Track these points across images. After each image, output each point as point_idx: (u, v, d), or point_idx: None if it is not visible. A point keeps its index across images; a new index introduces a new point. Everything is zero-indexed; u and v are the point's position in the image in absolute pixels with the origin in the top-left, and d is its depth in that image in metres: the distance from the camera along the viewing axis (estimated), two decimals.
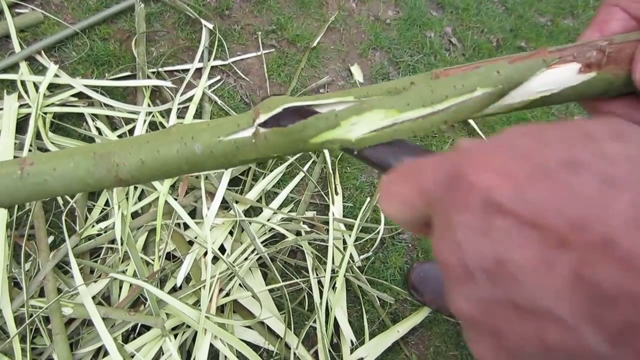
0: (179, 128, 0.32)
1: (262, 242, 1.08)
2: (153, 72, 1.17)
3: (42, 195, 0.33)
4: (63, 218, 0.95)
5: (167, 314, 0.96)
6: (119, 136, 1.08)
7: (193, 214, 1.08)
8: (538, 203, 0.16)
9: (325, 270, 1.09)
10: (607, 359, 0.14)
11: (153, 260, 0.98)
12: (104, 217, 1.01)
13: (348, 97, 0.32)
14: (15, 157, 0.96)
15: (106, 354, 0.90)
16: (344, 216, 1.21)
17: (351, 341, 1.09)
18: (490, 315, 0.17)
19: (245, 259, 1.05)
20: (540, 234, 0.15)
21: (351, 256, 1.16)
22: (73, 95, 1.06)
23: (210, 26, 1.26)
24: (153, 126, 1.12)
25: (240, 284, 1.02)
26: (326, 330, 1.04)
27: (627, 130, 0.17)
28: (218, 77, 1.25)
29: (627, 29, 0.30)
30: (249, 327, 1.02)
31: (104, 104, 1.07)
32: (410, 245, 1.26)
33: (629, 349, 0.14)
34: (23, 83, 1.03)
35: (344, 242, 1.17)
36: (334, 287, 1.10)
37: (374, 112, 0.30)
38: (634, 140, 0.16)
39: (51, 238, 0.96)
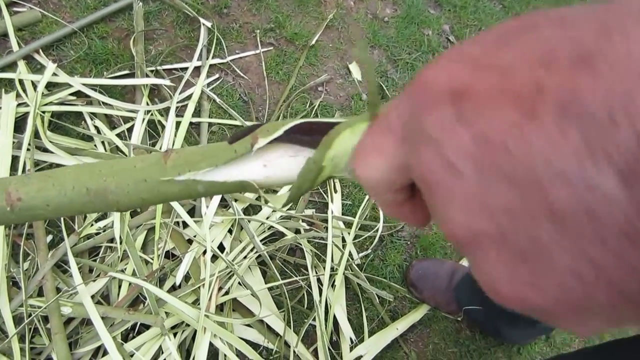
0: (175, 161, 0.30)
1: (261, 241, 1.08)
2: (151, 71, 1.16)
3: (38, 219, 0.32)
4: (62, 217, 0.94)
5: (166, 312, 0.95)
6: (118, 135, 1.07)
7: (192, 212, 1.07)
8: (498, 73, 0.15)
9: (324, 268, 1.08)
10: (624, 203, 0.12)
11: (152, 259, 0.98)
12: (103, 216, 1.00)
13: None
14: (13, 156, 0.95)
15: (105, 353, 0.89)
16: (343, 214, 1.20)
17: (350, 339, 1.08)
18: (489, 215, 0.15)
19: (245, 257, 1.05)
20: (512, 95, 0.14)
21: (350, 254, 1.15)
22: (71, 94, 1.05)
23: (209, 24, 1.25)
24: (152, 124, 1.11)
25: (239, 283, 1.02)
26: (325, 328, 1.04)
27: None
28: (217, 76, 1.24)
29: None
30: (248, 325, 1.02)
31: (103, 102, 1.06)
32: (409, 242, 1.26)
33: None
34: (21, 82, 1.02)
35: (343, 240, 1.16)
36: (333, 285, 1.09)
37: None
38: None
39: (50, 237, 0.95)
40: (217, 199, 1.05)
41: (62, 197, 0.30)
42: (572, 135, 0.13)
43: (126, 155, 1.03)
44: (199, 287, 0.97)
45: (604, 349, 0.62)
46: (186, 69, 1.19)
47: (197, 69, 1.22)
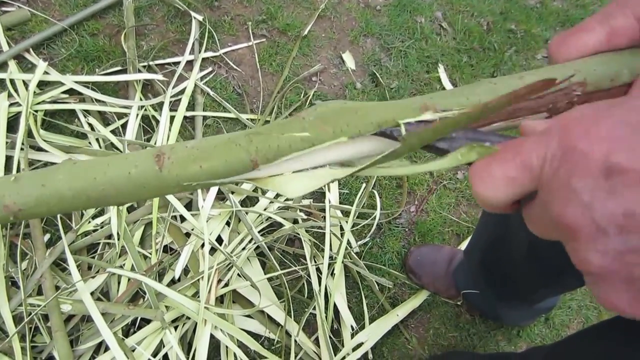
0: (171, 168, 0.27)
1: (259, 232, 1.05)
2: (144, 66, 1.12)
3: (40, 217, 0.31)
4: (58, 215, 0.91)
5: (166, 306, 0.93)
6: (112, 131, 1.04)
7: (189, 206, 1.04)
8: None
9: (323, 257, 1.05)
10: None
11: (150, 254, 0.95)
12: (100, 213, 0.98)
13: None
14: (7, 156, 0.92)
15: (107, 349, 0.87)
16: (340, 203, 1.17)
17: (351, 326, 1.06)
18: (624, 263, 0.19)
19: (243, 248, 1.02)
20: None
21: (349, 242, 1.13)
22: (64, 92, 1.02)
23: (200, 18, 1.22)
24: (146, 120, 1.08)
25: (238, 274, 0.99)
26: (326, 317, 1.02)
27: None
28: (210, 69, 1.21)
29: (630, 26, 0.28)
30: (249, 316, 0.99)
31: (96, 99, 1.03)
32: (407, 229, 1.23)
33: None
34: (12, 82, 0.99)
35: (341, 229, 1.13)
36: (332, 274, 1.06)
37: None
38: None
39: (47, 236, 0.93)
40: (213, 192, 1.02)
41: (63, 203, 0.27)
42: None
43: (121, 152, 1.00)
44: (198, 280, 0.94)
45: (603, 328, 0.60)
46: (179, 63, 1.16)
47: (190, 63, 1.19)
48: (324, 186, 1.16)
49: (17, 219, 0.27)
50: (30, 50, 1.03)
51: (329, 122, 0.27)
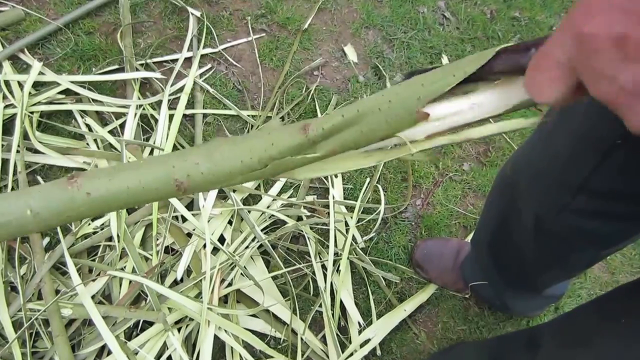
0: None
1: (262, 230, 1.00)
2: (141, 64, 1.07)
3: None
4: None
5: (169, 308, 0.89)
6: (110, 131, 0.99)
7: (191, 206, 1.00)
8: None
9: (328, 254, 1.00)
10: None
11: (152, 255, 0.91)
12: (99, 215, 0.93)
13: None
14: (3, 159, 0.88)
15: (109, 353, 0.83)
16: (344, 198, 1.12)
17: (359, 323, 1.01)
18: None
19: (246, 247, 0.97)
20: None
21: (354, 238, 1.07)
22: (60, 93, 0.97)
23: (198, 14, 1.16)
24: (144, 119, 1.03)
25: (242, 274, 0.95)
26: (333, 314, 0.97)
27: None
28: (209, 66, 1.15)
29: None
30: (254, 316, 0.95)
31: (93, 99, 0.98)
32: (413, 223, 1.17)
33: None
34: (7, 83, 0.94)
35: (346, 225, 1.08)
36: (338, 271, 1.02)
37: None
38: None
39: (47, 240, 0.89)
40: (214, 191, 0.97)
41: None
42: None
43: (119, 152, 0.95)
44: (200, 281, 0.90)
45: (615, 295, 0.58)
46: (177, 60, 1.11)
47: (189, 60, 1.14)
48: (328, 182, 1.11)
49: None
50: (25, 50, 0.98)
51: (334, 140, 0.29)
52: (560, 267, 0.80)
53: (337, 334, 0.96)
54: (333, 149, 0.28)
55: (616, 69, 0.21)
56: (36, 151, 0.91)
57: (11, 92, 0.93)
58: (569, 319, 0.63)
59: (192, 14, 1.15)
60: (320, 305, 0.99)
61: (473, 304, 1.13)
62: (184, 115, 1.06)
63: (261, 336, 0.94)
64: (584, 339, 0.49)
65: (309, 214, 1.05)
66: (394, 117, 0.28)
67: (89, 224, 0.91)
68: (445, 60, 1.34)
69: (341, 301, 1.00)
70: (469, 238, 1.16)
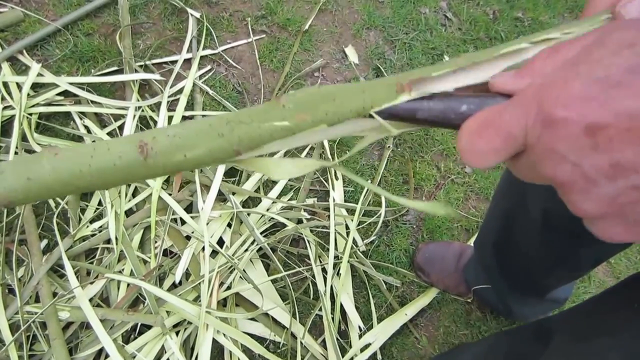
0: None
1: (262, 233, 1.01)
2: (140, 66, 1.08)
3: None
4: (54, 220, 0.87)
5: (167, 311, 0.89)
6: (109, 133, 1.00)
7: (190, 208, 1.00)
8: (624, 110, 0.19)
9: (328, 257, 1.01)
10: None
11: (150, 258, 0.91)
12: (98, 217, 0.94)
13: None
14: (0, 161, 0.88)
15: (107, 356, 0.83)
16: (345, 201, 1.12)
17: (359, 327, 1.01)
18: (617, 204, 0.21)
19: (245, 250, 0.98)
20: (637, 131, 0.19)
21: (354, 241, 1.08)
22: (59, 94, 0.98)
23: (198, 15, 1.17)
24: (143, 121, 1.04)
25: (241, 277, 0.95)
26: (333, 318, 0.97)
27: None
28: (208, 67, 1.16)
29: None
30: (253, 319, 0.95)
31: (91, 101, 0.98)
32: (414, 226, 1.17)
33: None
34: (5, 84, 0.95)
35: (347, 228, 1.08)
36: (338, 274, 1.02)
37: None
38: None
39: (45, 242, 0.90)
40: (213, 193, 0.98)
41: (51, 192, 0.28)
42: None
43: None
44: (199, 284, 0.90)
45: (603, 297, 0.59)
46: (176, 62, 1.11)
47: (188, 62, 1.14)
48: (328, 184, 1.11)
49: (7, 207, 0.28)
50: (24, 51, 0.99)
51: (307, 110, 0.28)
52: (566, 266, 0.80)
53: (337, 338, 0.96)
54: (304, 119, 0.27)
55: (583, 156, 0.21)
56: (34, 153, 0.92)
57: (10, 94, 0.94)
58: (585, 308, 0.61)
59: (192, 15, 1.16)
60: (320, 309, 0.99)
61: (475, 309, 1.13)
62: (184, 117, 1.06)
63: (260, 340, 0.94)
64: (607, 329, 0.48)
65: (309, 216, 1.05)
66: (371, 89, 0.28)
67: (87, 226, 0.91)
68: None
69: (341, 305, 1.00)
70: (472, 241, 1.16)
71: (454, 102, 0.27)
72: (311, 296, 1.03)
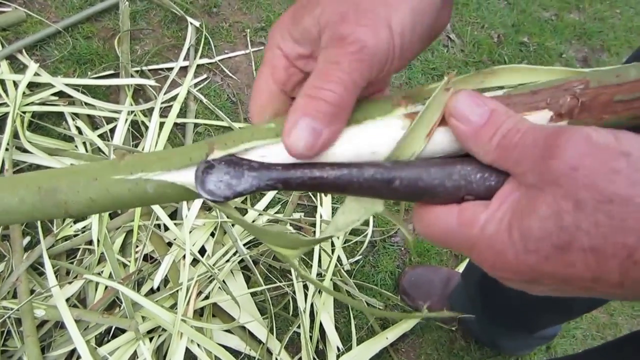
0: (129, 162, 0.30)
1: (245, 244, 1.07)
2: (137, 71, 1.17)
3: None
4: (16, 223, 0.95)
5: (143, 317, 0.95)
6: (100, 136, 1.08)
7: (174, 215, 1.07)
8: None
9: (311, 273, 1.07)
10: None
11: (130, 262, 0.98)
12: (82, 218, 1.01)
13: None
14: None
15: (79, 357, 0.89)
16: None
17: (337, 347, 1.07)
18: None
19: (227, 261, 1.04)
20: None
21: (339, 259, 1.13)
22: (54, 94, 1.07)
23: (197, 24, 1.26)
24: (135, 125, 1.12)
25: (220, 287, 1.01)
26: (311, 336, 1.02)
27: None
28: (204, 76, 1.25)
29: (288, 73, 0.30)
30: (230, 332, 1.01)
31: (85, 103, 1.07)
32: (402, 249, 1.23)
33: None
34: (2, 82, 1.04)
35: (332, 245, 1.14)
36: (320, 292, 1.07)
37: None
38: None
39: (28, 239, 0.97)
40: (198, 202, 1.05)
41: (13, 196, 0.30)
42: None
43: (107, 157, 1.04)
44: (177, 291, 0.96)
45: (606, 349, 0.62)
46: (172, 69, 1.20)
47: (185, 70, 1.23)
48: (316, 200, 1.18)
49: (70, 210, 0.31)
50: (23, 51, 1.08)
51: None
52: (557, 310, 0.84)
53: (314, 358, 1.01)
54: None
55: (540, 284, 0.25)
56: (25, 150, 1.00)
57: (6, 91, 1.03)
58: None
59: (192, 23, 1.25)
60: (299, 326, 1.04)
61: (460, 337, 1.18)
62: (175, 124, 1.14)
63: (235, 353, 0.99)
64: None
65: (294, 231, 1.12)
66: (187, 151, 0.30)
67: (71, 226, 0.98)
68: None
69: (321, 323, 1.06)
70: (461, 267, 1.22)
71: (386, 173, 0.27)
72: (291, 312, 1.08)
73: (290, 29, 0.29)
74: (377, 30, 0.26)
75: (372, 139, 0.28)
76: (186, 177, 0.29)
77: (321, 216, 1.15)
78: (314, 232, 1.12)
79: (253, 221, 1.12)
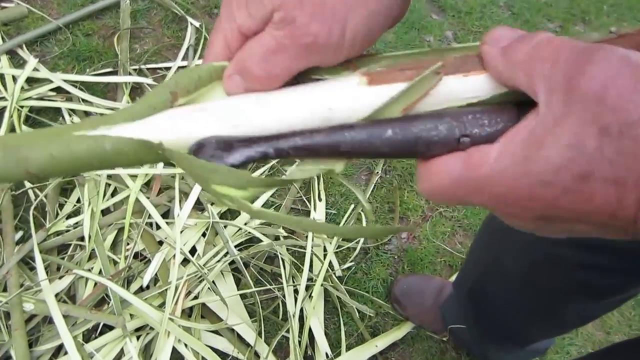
0: (95, 119, 0.30)
1: (236, 246, 1.09)
2: (135, 69, 1.20)
3: None
4: (31, 212, 0.97)
5: (131, 314, 0.97)
6: None
7: (167, 214, 1.10)
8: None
9: (302, 277, 1.09)
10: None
11: (120, 259, 1.00)
12: (75, 214, 1.04)
13: None
14: None
15: (66, 352, 0.91)
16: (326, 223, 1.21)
17: (326, 354, 1.08)
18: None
19: (218, 261, 1.06)
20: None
21: (331, 265, 1.16)
22: (52, 90, 1.10)
23: (197, 24, 1.30)
24: None
25: (209, 288, 1.03)
26: (300, 341, 1.04)
27: None
28: None
29: (239, 42, 0.31)
30: (218, 333, 1.03)
31: (82, 99, 1.10)
32: (396, 256, 1.25)
33: None
34: (2, 76, 1.07)
35: (325, 250, 1.17)
36: (310, 297, 1.09)
37: None
38: None
39: (20, 233, 0.99)
40: (191, 201, 1.07)
41: None
42: None
43: None
44: (166, 290, 0.99)
45: (610, 353, 0.63)
46: (171, 68, 1.23)
47: (183, 69, 1.26)
48: (310, 205, 1.21)
49: (30, 167, 0.30)
50: (23, 46, 1.12)
51: None
52: (550, 322, 0.84)
53: None
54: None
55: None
56: None
57: (4, 85, 1.06)
58: None
59: (192, 23, 1.28)
60: (288, 331, 1.06)
61: (451, 348, 1.19)
62: None
63: (222, 355, 1.01)
64: None
65: (286, 234, 1.14)
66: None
67: (63, 222, 1.01)
68: None
69: (310, 329, 1.08)
70: (454, 278, 1.23)
71: (377, 128, 0.27)
72: (280, 316, 1.10)
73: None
74: (331, 28, 0.27)
75: (327, 95, 0.28)
76: (150, 129, 0.28)
77: (314, 220, 1.17)
78: (306, 236, 1.14)
79: (245, 223, 1.14)
